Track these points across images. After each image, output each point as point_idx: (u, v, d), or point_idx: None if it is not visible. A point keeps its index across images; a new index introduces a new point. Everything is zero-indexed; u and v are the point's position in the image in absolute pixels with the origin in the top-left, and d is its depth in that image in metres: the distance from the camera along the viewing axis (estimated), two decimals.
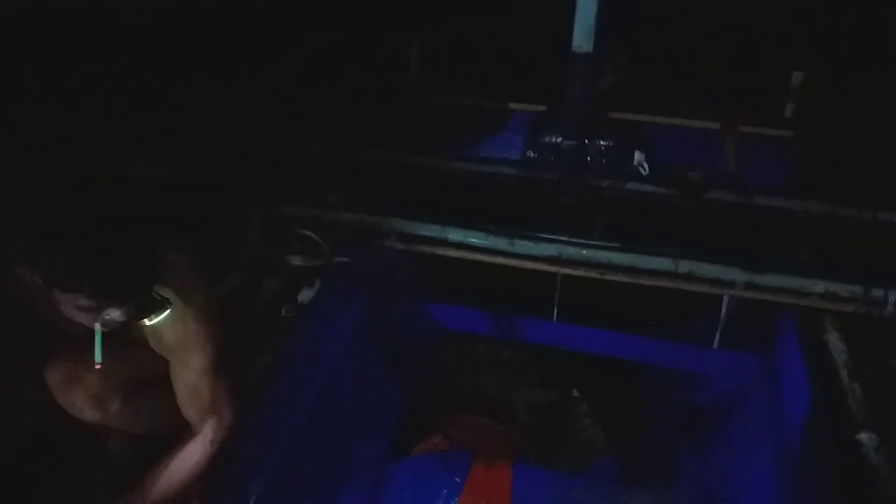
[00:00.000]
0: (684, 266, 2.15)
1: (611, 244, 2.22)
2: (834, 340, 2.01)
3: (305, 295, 2.43)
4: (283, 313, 2.36)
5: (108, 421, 1.54)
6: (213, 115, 2.30)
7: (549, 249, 2.27)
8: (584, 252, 2.24)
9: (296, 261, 2.47)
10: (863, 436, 1.67)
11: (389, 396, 2.67)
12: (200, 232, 2.09)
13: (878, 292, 2.02)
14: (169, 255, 1.43)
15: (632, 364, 2.43)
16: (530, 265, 2.30)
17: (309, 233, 2.49)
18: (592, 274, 2.25)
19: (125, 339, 1.48)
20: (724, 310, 2.23)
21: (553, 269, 2.31)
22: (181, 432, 1.73)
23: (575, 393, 2.64)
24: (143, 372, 1.51)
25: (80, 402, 1.48)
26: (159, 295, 1.37)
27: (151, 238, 1.36)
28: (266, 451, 1.97)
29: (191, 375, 1.48)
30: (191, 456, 1.52)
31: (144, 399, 1.54)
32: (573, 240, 2.26)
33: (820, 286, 2.08)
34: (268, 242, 2.50)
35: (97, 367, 1.36)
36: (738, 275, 2.12)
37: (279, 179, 2.56)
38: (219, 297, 2.20)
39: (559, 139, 2.48)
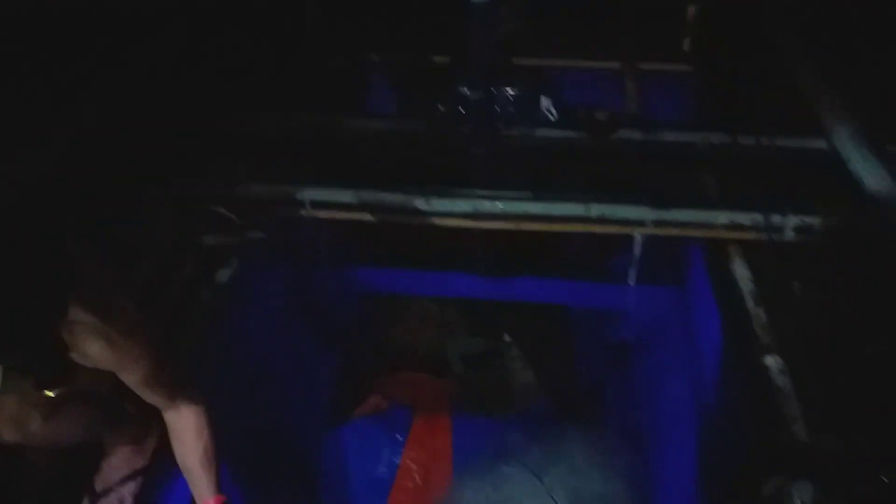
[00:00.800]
0: (596, 210, 2.20)
1: (524, 195, 2.24)
2: (739, 269, 2.11)
3: (223, 275, 2.37)
4: (203, 295, 2.31)
5: (28, 440, 1.48)
6: (93, 105, 2.15)
7: (464, 206, 2.28)
8: (500, 205, 2.26)
9: (209, 240, 2.39)
10: (768, 359, 1.78)
11: (323, 365, 2.68)
12: (104, 223, 2.00)
13: (776, 218, 2.12)
14: (82, 268, 1.35)
15: (556, 307, 2.50)
16: (448, 222, 2.31)
17: (219, 209, 2.41)
18: (509, 226, 2.28)
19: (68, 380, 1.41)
20: (636, 248, 2.30)
21: (471, 224, 2.33)
22: (106, 441, 1.70)
23: (506, 338, 2.71)
24: (65, 391, 1.45)
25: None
26: (63, 367, 1.31)
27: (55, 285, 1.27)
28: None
29: (139, 384, 1.43)
30: (198, 433, 1.51)
31: (64, 415, 1.49)
32: (488, 194, 2.27)
33: (724, 217, 2.17)
34: (177, 224, 2.40)
35: None
36: (647, 213, 2.19)
37: (183, 158, 2.45)
38: (133, 287, 2.14)
39: (467, 91, 2.46)
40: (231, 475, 2.02)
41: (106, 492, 1.69)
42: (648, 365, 2.30)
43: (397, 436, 2.50)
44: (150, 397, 1.46)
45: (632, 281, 2.34)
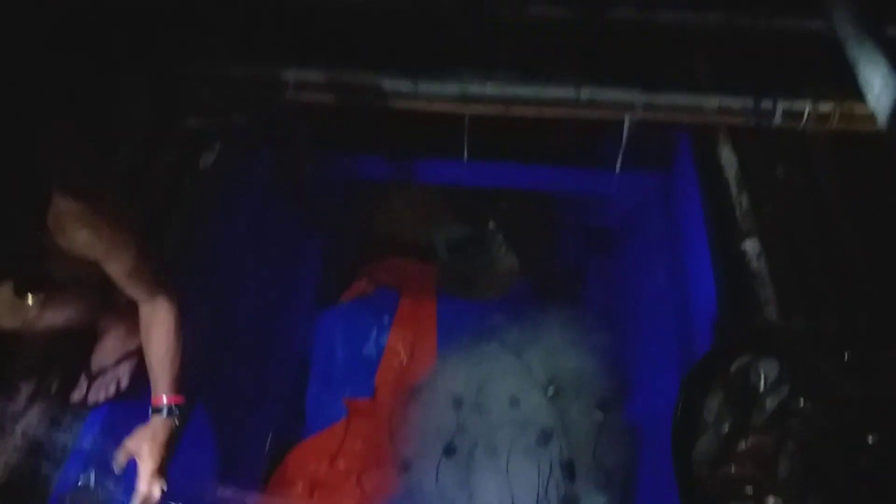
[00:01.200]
0: (586, 93, 2.16)
1: (513, 77, 2.19)
2: (726, 155, 2.10)
3: (207, 159, 2.34)
4: (187, 182, 2.29)
5: (26, 328, 1.51)
6: None
7: (452, 88, 2.23)
8: (488, 88, 2.21)
9: (191, 123, 2.34)
10: (746, 244, 1.81)
11: (309, 251, 2.70)
12: (84, 107, 1.94)
13: (766, 104, 2.09)
14: (64, 154, 1.33)
15: (542, 193, 2.50)
16: (435, 107, 2.26)
17: (201, 91, 2.35)
18: (498, 110, 2.24)
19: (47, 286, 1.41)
20: (625, 133, 2.27)
21: (459, 108, 2.28)
22: (100, 325, 1.74)
23: (491, 225, 2.73)
24: (59, 277, 1.46)
25: None
26: (41, 275, 1.30)
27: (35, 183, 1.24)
28: (189, 321, 2.00)
29: (123, 274, 1.44)
30: (167, 331, 1.53)
31: (59, 305, 1.51)
32: (476, 76, 2.21)
33: (714, 101, 2.13)
34: (158, 107, 2.34)
35: None
36: (638, 97, 2.15)
37: (163, 38, 2.35)
38: (115, 173, 2.11)
39: None
40: (218, 354, 2.10)
41: (102, 372, 1.74)
42: (630, 250, 2.34)
43: (384, 318, 2.57)
44: (132, 289, 1.48)
45: (618, 167, 2.34)
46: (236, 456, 2.13)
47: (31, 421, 1.70)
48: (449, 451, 2.07)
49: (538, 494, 1.91)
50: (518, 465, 1.97)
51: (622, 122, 2.30)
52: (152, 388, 1.56)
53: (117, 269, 1.42)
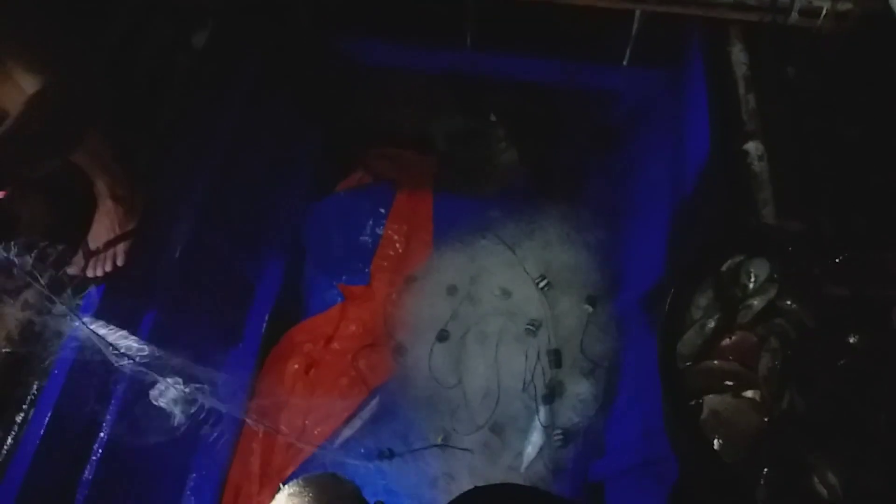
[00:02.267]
0: None
1: None
2: (737, 52, 2.04)
3: (200, 38, 2.25)
4: (179, 60, 2.21)
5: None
6: None
7: None
8: None
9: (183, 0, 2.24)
10: (749, 145, 1.79)
11: (306, 137, 2.66)
12: None
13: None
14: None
15: (546, 87, 2.44)
16: None
17: None
18: None
19: None
20: (635, 26, 2.19)
21: None
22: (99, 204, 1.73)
23: (492, 117, 2.68)
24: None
25: None
26: None
27: None
28: (184, 201, 2.00)
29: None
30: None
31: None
32: None
33: None
34: None
35: None
36: None
37: None
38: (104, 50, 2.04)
39: None
40: (209, 238, 2.11)
41: (99, 249, 1.76)
42: (632, 147, 2.32)
43: (380, 209, 2.57)
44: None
45: (626, 61, 2.27)
46: (235, 334, 2.19)
47: (30, 293, 1.74)
48: (442, 336, 2.14)
49: (525, 379, 1.99)
50: (507, 352, 2.04)
51: (633, 14, 2.22)
52: None
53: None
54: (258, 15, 2.38)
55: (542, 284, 2.07)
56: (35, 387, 1.62)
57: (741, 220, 1.62)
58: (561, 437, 1.92)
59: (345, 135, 2.72)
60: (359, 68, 2.59)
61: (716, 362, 1.32)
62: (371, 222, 2.54)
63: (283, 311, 2.36)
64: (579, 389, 1.95)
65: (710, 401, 1.28)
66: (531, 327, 2.03)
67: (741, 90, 1.96)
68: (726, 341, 1.33)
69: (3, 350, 1.66)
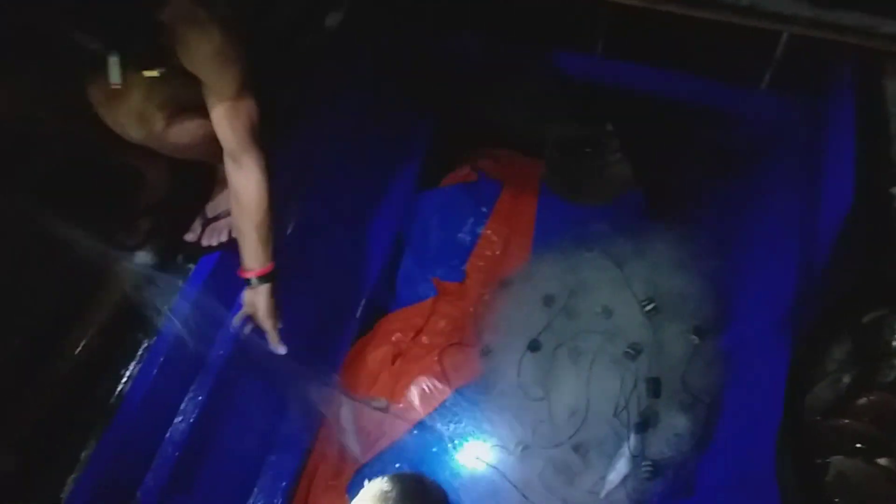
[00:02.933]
0: None
1: None
2: (892, 88, 1.89)
3: (333, 18, 2.28)
4: (309, 39, 2.24)
5: (151, 141, 1.56)
6: None
7: None
8: None
9: None
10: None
11: (419, 129, 2.65)
12: None
13: None
14: None
15: (673, 102, 2.34)
16: None
17: None
18: (641, 3, 2.06)
19: (163, 63, 1.43)
20: (780, 48, 2.07)
21: None
22: (219, 164, 1.76)
23: (608, 127, 2.60)
24: (186, 96, 1.49)
25: (124, 119, 1.49)
26: (159, 48, 1.30)
27: None
28: (300, 181, 2.02)
29: (222, 102, 1.45)
30: (258, 199, 1.56)
31: (187, 123, 1.55)
32: None
33: (890, 26, 1.89)
34: None
35: (114, 86, 1.33)
36: (805, 9, 1.92)
37: None
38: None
39: None
40: (321, 217, 2.13)
41: (217, 218, 1.80)
42: (759, 175, 2.19)
43: (482, 208, 2.54)
44: (225, 129, 1.48)
45: (764, 84, 2.15)
46: (330, 316, 2.21)
47: (147, 256, 1.80)
48: (533, 345, 2.08)
49: (618, 404, 1.91)
50: (601, 373, 1.96)
51: (778, 36, 2.09)
52: (242, 256, 1.60)
53: (218, 91, 1.41)
54: (387, 6, 2.38)
55: (648, 308, 1.98)
56: (144, 344, 1.67)
57: (886, 270, 1.50)
58: (650, 468, 1.83)
59: (454, 130, 2.70)
60: (477, 66, 2.56)
61: (848, 421, 1.22)
62: (472, 220, 2.51)
63: (377, 298, 2.36)
64: (676, 423, 1.86)
65: (839, 462, 1.19)
66: (631, 351, 1.94)
67: (892, 128, 1.82)
68: (863, 400, 1.23)
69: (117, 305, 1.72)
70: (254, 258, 1.59)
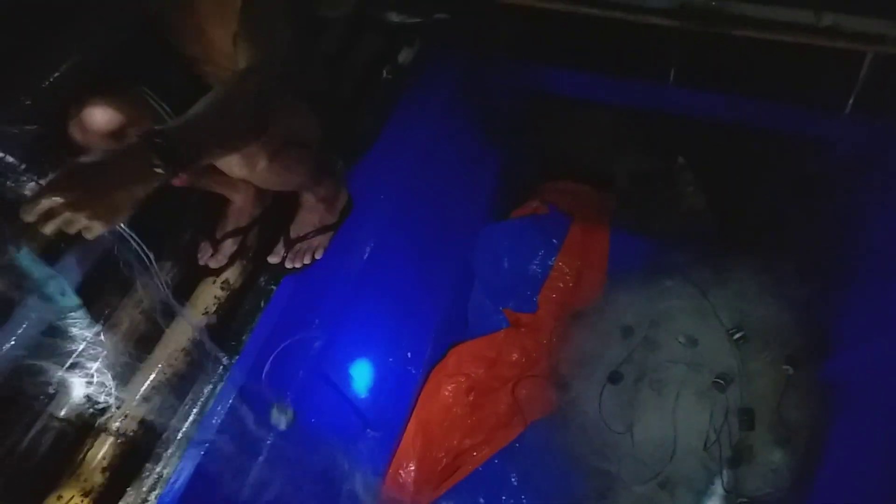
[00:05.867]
0: (828, 18, 1.91)
1: None
2: None
3: (406, 55, 2.33)
4: (384, 74, 2.30)
5: (253, 178, 1.54)
6: None
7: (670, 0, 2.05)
8: (712, 2, 2.01)
9: (394, 17, 2.33)
10: None
11: (488, 161, 2.66)
12: None
13: None
14: None
15: (749, 130, 2.29)
16: (650, 20, 2.10)
17: None
18: (717, 29, 2.05)
19: None
20: (864, 69, 2.01)
21: (671, 23, 2.10)
22: (305, 198, 1.80)
23: (680, 160, 2.56)
24: (286, 131, 1.51)
25: (230, 157, 1.46)
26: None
27: None
28: (373, 208, 2.03)
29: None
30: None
31: (285, 160, 1.53)
32: None
33: None
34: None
35: None
36: (890, 28, 1.88)
37: None
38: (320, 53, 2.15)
39: None
40: (392, 246, 2.13)
41: (299, 240, 1.81)
42: (849, 201, 2.10)
43: (553, 240, 2.50)
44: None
45: (848, 108, 2.09)
46: (401, 344, 2.19)
47: (231, 276, 1.82)
48: (614, 377, 2.01)
49: (708, 437, 1.81)
50: (688, 406, 1.88)
51: (862, 57, 2.04)
52: None
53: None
54: (459, 39, 2.43)
55: (737, 336, 1.89)
56: (225, 362, 1.67)
57: None
58: None
59: (525, 162, 2.70)
60: (548, 96, 2.57)
61: None
62: (542, 252, 2.48)
63: (448, 329, 2.34)
64: (772, 457, 1.75)
65: None
66: (720, 381, 1.85)
67: None
68: None
69: (203, 322, 1.73)
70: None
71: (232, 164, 1.45)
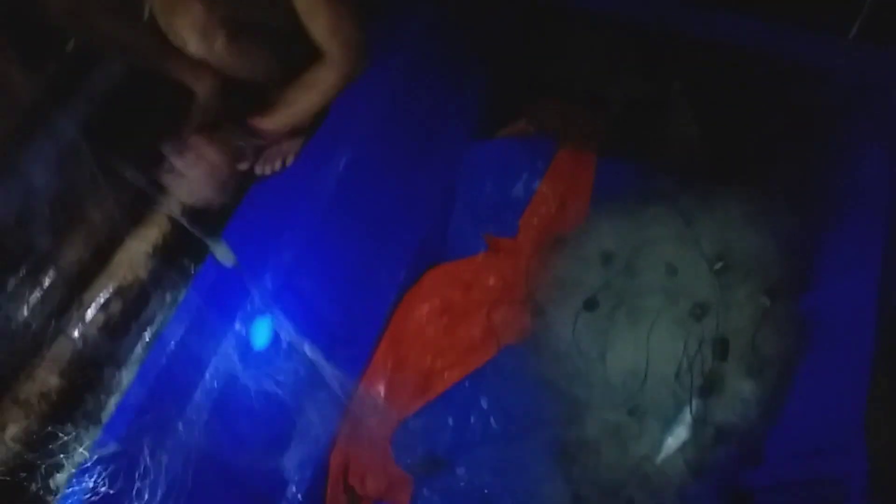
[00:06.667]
0: None
1: None
2: None
3: None
4: None
5: (211, 56, 1.52)
6: None
7: None
8: None
9: None
10: None
11: (474, 77, 2.54)
12: None
13: None
14: None
15: (749, 54, 2.18)
16: None
17: None
18: None
19: None
20: None
21: None
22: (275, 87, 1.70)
23: (676, 86, 2.46)
24: (248, 16, 1.44)
25: (186, 32, 1.45)
26: None
27: None
28: (352, 118, 1.94)
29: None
30: (325, 79, 1.61)
31: (248, 43, 1.52)
32: None
33: None
34: None
35: None
36: None
37: None
38: None
39: None
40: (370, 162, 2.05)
41: (269, 145, 1.73)
42: (841, 136, 2.03)
43: (538, 163, 2.41)
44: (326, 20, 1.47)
45: (853, 33, 1.99)
46: (378, 265, 2.14)
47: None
48: (590, 304, 1.98)
49: (680, 366, 1.80)
50: (663, 335, 1.85)
51: None
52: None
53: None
54: None
55: (717, 266, 1.85)
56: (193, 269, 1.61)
57: None
58: (713, 435, 1.72)
59: (513, 81, 2.59)
60: (541, 10, 2.44)
61: None
62: (526, 175, 2.39)
63: (425, 250, 2.28)
64: (743, 388, 1.73)
65: None
66: (697, 311, 1.82)
67: None
68: None
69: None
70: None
71: (188, 39, 1.38)
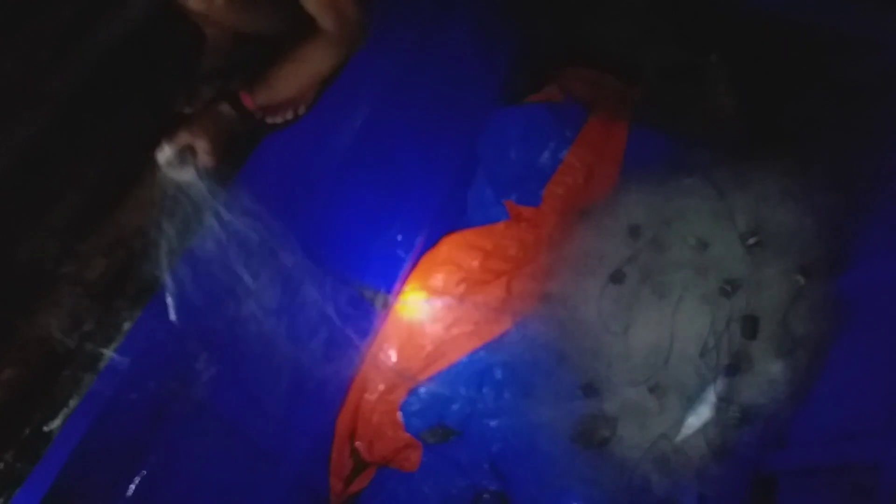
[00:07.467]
0: None
1: None
2: None
3: None
4: None
5: (212, 13, 1.44)
6: None
7: None
8: None
9: None
10: None
11: (504, 42, 2.45)
12: None
13: None
14: None
15: (791, 24, 2.07)
16: None
17: None
18: None
19: None
20: None
21: None
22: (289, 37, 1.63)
23: (714, 57, 2.35)
24: None
25: None
26: None
27: None
28: (373, 72, 1.86)
29: None
30: (318, 53, 1.48)
31: (247, 3, 1.44)
32: None
33: None
34: None
35: None
36: None
37: None
38: None
39: None
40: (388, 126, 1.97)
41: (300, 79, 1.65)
42: (885, 109, 1.92)
43: (567, 132, 2.33)
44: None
45: None
46: (396, 228, 2.08)
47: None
48: (616, 277, 1.91)
49: (706, 343, 1.72)
50: (690, 311, 1.78)
51: None
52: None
53: None
54: None
55: (751, 241, 1.77)
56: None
57: None
58: (737, 415, 1.64)
59: (544, 45, 2.50)
60: None
61: None
62: (554, 144, 2.31)
63: (444, 215, 2.22)
64: (771, 368, 1.66)
65: None
66: (727, 287, 1.74)
67: None
68: None
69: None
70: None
71: None
